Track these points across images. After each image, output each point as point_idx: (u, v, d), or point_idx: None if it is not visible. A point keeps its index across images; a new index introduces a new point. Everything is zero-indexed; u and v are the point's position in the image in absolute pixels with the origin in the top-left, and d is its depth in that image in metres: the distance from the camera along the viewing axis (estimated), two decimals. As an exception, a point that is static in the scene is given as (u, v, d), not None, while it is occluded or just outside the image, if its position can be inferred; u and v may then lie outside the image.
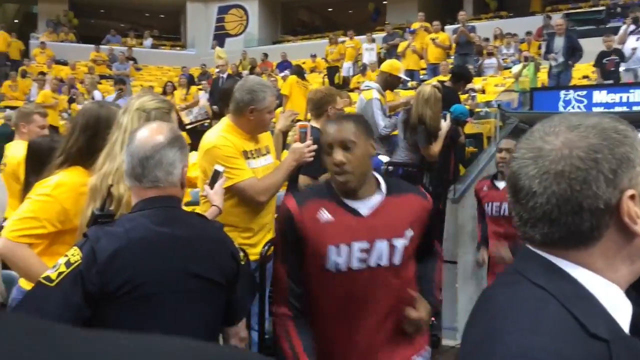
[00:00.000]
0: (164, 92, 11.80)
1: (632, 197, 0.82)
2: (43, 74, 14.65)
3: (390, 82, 5.29)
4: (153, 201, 1.61)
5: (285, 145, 3.84)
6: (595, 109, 8.74)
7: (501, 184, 4.20)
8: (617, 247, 0.84)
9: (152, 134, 1.65)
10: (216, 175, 2.47)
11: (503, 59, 12.24)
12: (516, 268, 0.91)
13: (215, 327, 1.70)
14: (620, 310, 0.84)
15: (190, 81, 13.85)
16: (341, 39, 15.01)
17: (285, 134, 3.82)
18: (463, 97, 7.01)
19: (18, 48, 17.28)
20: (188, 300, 1.58)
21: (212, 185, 2.45)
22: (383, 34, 14.91)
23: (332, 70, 14.08)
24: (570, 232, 0.85)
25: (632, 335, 0.84)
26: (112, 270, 1.48)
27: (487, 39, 13.29)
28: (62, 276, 1.46)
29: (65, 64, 16.98)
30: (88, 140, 2.20)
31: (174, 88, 12.01)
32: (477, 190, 4.35)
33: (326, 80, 13.39)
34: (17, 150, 3.70)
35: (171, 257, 1.56)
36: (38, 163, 2.59)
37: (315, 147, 2.93)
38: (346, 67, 14.08)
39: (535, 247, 0.89)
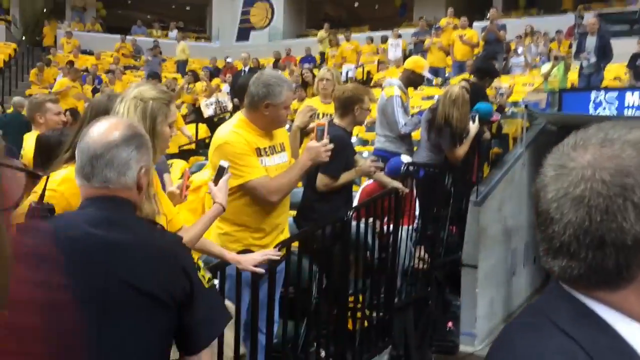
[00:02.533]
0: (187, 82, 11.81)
1: None
2: (71, 63, 14.76)
3: (413, 80, 5.15)
4: (96, 200, 1.48)
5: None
6: (626, 112, 8.46)
7: None
8: None
9: (106, 130, 1.51)
10: (221, 171, 2.34)
11: (532, 58, 11.94)
12: (542, 308, 0.77)
13: (157, 352, 1.49)
14: None
15: (214, 73, 13.83)
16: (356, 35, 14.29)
17: (303, 130, 3.70)
18: (490, 93, 6.69)
19: (52, 33, 17.63)
20: (117, 313, 1.39)
21: (216, 181, 2.33)
22: (410, 30, 14.66)
23: None
24: (592, 270, 0.71)
25: None
26: None
27: (519, 37, 12.92)
28: None
29: (91, 53, 17.11)
30: None
31: (196, 78, 11.97)
32: None
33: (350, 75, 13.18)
34: (32, 142, 3.67)
35: (100, 263, 1.40)
36: (46, 157, 2.53)
37: (332, 146, 2.81)
38: (345, 70, 13.00)
39: (565, 283, 0.75)
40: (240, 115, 2.83)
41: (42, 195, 1.52)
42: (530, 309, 0.82)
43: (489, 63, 6.68)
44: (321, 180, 3.55)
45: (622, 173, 0.68)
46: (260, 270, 2.53)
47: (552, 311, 0.74)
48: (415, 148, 5.24)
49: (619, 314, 0.71)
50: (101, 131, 1.51)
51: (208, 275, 1.56)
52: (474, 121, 4.90)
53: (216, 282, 2.78)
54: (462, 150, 4.81)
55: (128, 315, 1.40)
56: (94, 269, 1.39)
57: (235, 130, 2.72)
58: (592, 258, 0.70)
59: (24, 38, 18.24)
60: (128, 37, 17.51)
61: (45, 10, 20.18)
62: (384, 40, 14.67)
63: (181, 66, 15.38)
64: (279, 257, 2.58)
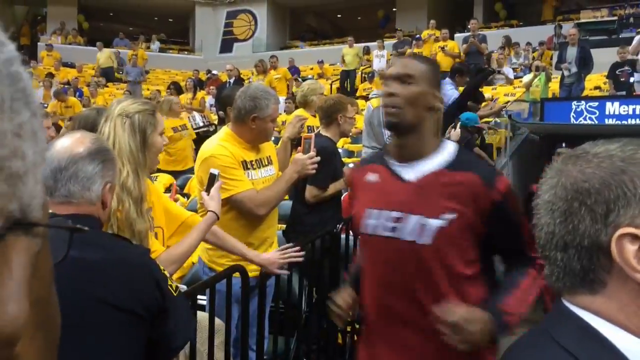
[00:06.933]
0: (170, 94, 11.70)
1: (633, 237, 0.68)
2: (51, 75, 14.58)
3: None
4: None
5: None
6: (607, 121, 8.58)
7: None
8: (631, 298, 0.70)
9: (72, 144, 1.48)
10: (212, 179, 2.33)
11: (513, 69, 12.08)
12: (546, 325, 0.77)
13: None
14: None
15: (198, 85, 13.77)
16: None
17: (293, 142, 3.67)
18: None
19: (27, 35, 18.05)
20: (100, 334, 1.34)
21: (208, 190, 2.31)
22: (392, 41, 14.77)
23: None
24: (565, 273, 0.74)
25: None
26: None
27: (502, 47, 13.04)
28: None
29: (72, 66, 16.95)
30: None
31: (180, 90, 11.88)
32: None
33: (334, 87, 13.23)
34: None
35: (77, 285, 1.34)
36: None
37: (318, 158, 2.78)
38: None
39: (562, 296, 0.77)
40: (226, 128, 2.80)
41: None
42: (536, 328, 0.82)
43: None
44: (310, 191, 3.52)
45: (582, 179, 0.73)
46: (285, 272, 2.67)
47: (554, 329, 0.75)
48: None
49: (608, 322, 0.71)
50: (66, 145, 1.48)
51: (174, 284, 1.55)
52: (455, 128, 4.96)
53: (204, 300, 2.73)
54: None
55: (109, 334, 1.37)
56: (71, 291, 1.32)
57: (221, 144, 2.69)
58: (561, 260, 0.74)
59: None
60: (110, 49, 17.40)
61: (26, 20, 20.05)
62: (366, 51, 14.77)
63: (109, 73, 15.99)
64: (301, 257, 2.64)
